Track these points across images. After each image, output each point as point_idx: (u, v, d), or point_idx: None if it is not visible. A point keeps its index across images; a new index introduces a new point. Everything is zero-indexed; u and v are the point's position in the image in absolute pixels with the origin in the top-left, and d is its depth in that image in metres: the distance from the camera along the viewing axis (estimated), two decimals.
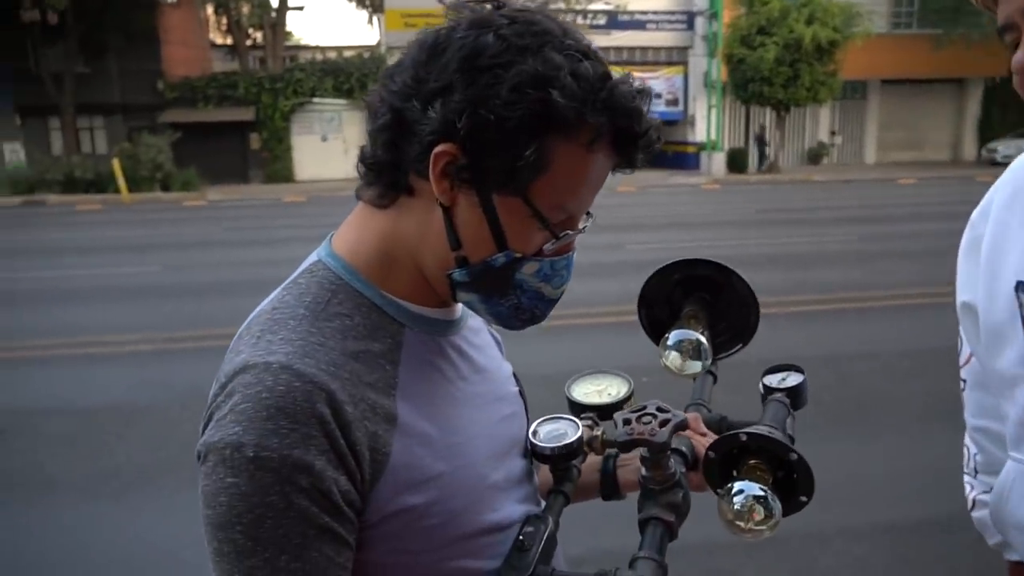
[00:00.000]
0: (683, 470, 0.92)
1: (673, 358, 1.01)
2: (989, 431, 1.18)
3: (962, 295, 1.14)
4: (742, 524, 0.86)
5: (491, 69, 0.71)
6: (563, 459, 0.91)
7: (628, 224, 12.20)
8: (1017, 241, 1.03)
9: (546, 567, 0.82)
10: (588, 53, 0.75)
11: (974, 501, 1.23)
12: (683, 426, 0.88)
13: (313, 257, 0.84)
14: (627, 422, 0.88)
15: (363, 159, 0.81)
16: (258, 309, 0.80)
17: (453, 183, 0.75)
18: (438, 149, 0.73)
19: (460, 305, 0.90)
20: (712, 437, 1.02)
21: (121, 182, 19.02)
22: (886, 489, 3.60)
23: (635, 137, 0.77)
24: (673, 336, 1.01)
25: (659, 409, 0.88)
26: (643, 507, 0.88)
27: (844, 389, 4.78)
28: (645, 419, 0.87)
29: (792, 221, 12.95)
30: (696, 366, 1.01)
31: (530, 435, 0.92)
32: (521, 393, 0.99)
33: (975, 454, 1.23)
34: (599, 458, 1.04)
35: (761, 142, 25.03)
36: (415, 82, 0.74)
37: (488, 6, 0.77)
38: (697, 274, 1.06)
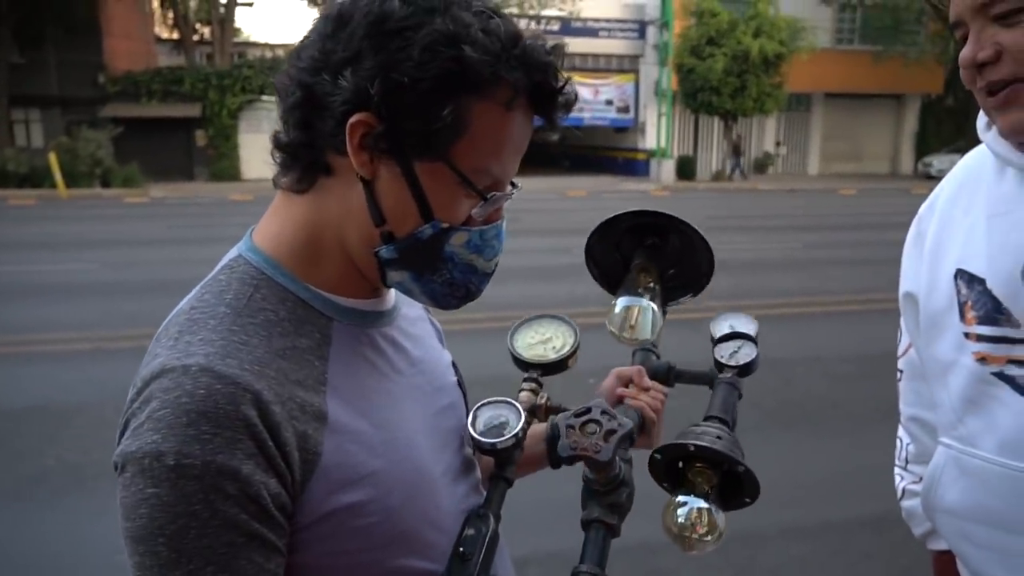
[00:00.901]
0: (628, 457, 0.91)
1: (620, 325, 0.98)
2: (922, 421, 1.21)
3: (905, 285, 1.18)
4: (687, 535, 0.86)
5: (400, 32, 0.69)
6: (507, 452, 0.88)
7: (577, 228, 12.22)
8: (959, 232, 1.06)
9: None
10: (496, 12, 0.73)
11: (903, 491, 1.26)
12: (628, 438, 0.86)
13: (233, 252, 0.80)
14: (570, 429, 0.85)
15: (277, 144, 0.78)
16: (176, 309, 0.76)
17: (372, 154, 0.73)
18: (353, 119, 0.71)
19: (393, 294, 0.88)
20: (654, 391, 1.02)
21: (58, 177, 18.38)
22: (825, 489, 3.69)
23: (553, 92, 0.76)
24: (620, 301, 0.98)
25: (604, 414, 0.86)
26: (586, 506, 0.87)
27: (787, 392, 4.88)
28: (590, 428, 0.85)
29: (739, 228, 13.21)
30: (645, 332, 0.98)
31: (469, 425, 0.88)
32: (460, 383, 0.96)
33: (908, 444, 1.26)
34: (543, 426, 1.03)
35: (737, 152, 25.45)
36: (323, 55, 0.72)
37: None
38: (646, 222, 1.02)
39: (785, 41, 22.41)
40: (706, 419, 0.95)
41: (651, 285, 1.00)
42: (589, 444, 0.83)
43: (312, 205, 0.77)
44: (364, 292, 0.82)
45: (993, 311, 0.99)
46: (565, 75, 0.77)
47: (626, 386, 1.05)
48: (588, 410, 0.87)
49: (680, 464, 0.88)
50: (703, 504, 0.85)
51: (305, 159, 0.76)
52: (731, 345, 1.04)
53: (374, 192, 0.74)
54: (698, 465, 0.87)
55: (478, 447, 0.88)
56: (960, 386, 1.03)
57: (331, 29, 0.72)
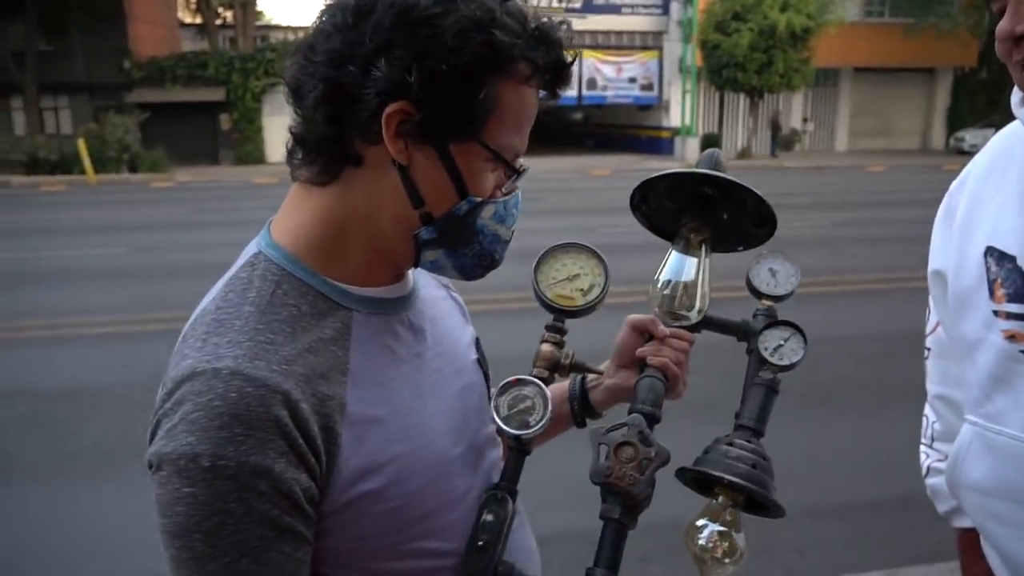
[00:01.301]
0: (651, 439, 0.86)
1: (662, 305, 0.94)
2: (949, 399, 1.20)
3: (934, 263, 1.17)
4: (707, 559, 0.86)
5: (428, 21, 0.71)
6: (531, 440, 0.87)
7: (601, 208, 12.21)
8: (989, 209, 1.05)
9: (505, 566, 0.82)
10: None
11: (928, 469, 1.25)
12: (664, 463, 0.83)
13: (252, 248, 0.81)
14: (602, 447, 0.82)
15: (299, 140, 0.78)
16: (201, 308, 0.77)
17: (407, 141, 0.74)
18: (390, 109, 0.72)
19: (410, 278, 0.88)
20: (675, 340, 0.96)
21: (87, 163, 18.63)
22: (850, 468, 3.67)
23: (565, 67, 0.79)
24: (664, 274, 0.93)
25: (641, 438, 0.82)
26: (606, 499, 0.84)
27: (813, 372, 4.85)
28: (625, 452, 0.81)
29: None
30: (691, 314, 0.93)
31: (493, 411, 0.87)
32: (481, 360, 0.96)
33: (933, 422, 1.25)
34: (566, 384, 1.02)
35: (776, 126, 25.08)
36: (348, 46, 0.73)
37: None
38: (701, 177, 0.94)
39: (813, 15, 21.96)
40: (737, 428, 0.91)
41: (701, 244, 0.95)
42: (624, 475, 0.81)
43: (335, 196, 0.78)
44: (382, 280, 0.83)
45: (1023, 288, 0.98)
46: (573, 52, 0.80)
47: (643, 337, 0.98)
48: (624, 427, 0.83)
49: (715, 489, 0.88)
50: (723, 529, 0.85)
51: (332, 152, 0.76)
52: (776, 335, 0.95)
53: (410, 176, 0.76)
54: (726, 482, 0.86)
55: (501, 434, 0.89)
56: (988, 364, 1.03)
57: (352, 21, 0.73)
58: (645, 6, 25.16)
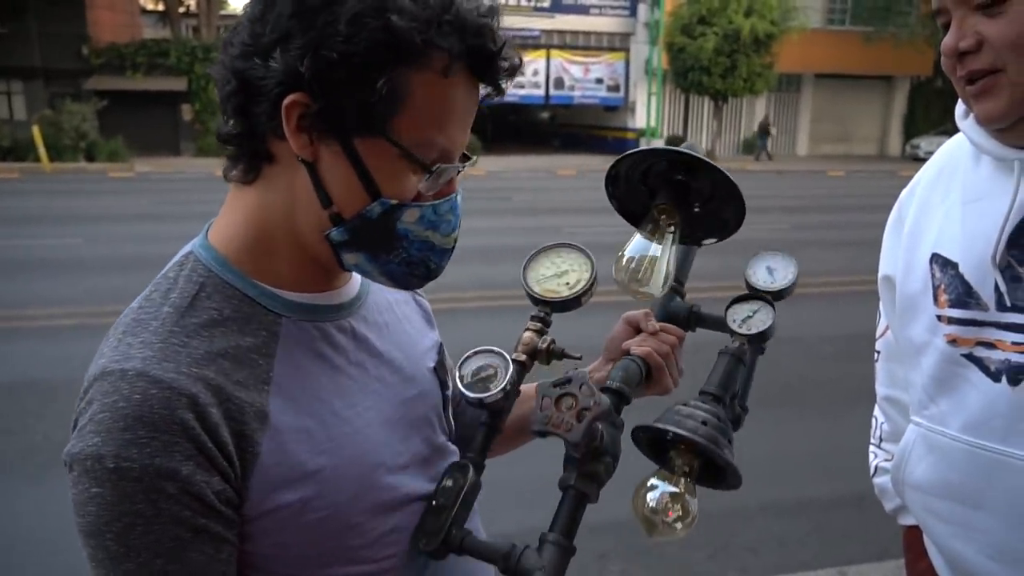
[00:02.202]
0: (619, 422, 0.86)
1: (627, 276, 0.93)
2: (896, 401, 1.24)
3: (884, 269, 1.20)
4: (656, 520, 0.84)
5: (326, 7, 0.68)
6: (496, 405, 0.86)
7: (567, 207, 12.27)
8: (936, 217, 1.09)
9: (459, 531, 0.81)
10: None
11: (876, 468, 1.29)
12: (603, 416, 0.82)
13: (186, 248, 0.80)
14: (543, 399, 0.83)
15: (219, 136, 0.76)
16: (128, 307, 0.76)
17: (311, 135, 0.71)
18: (287, 100, 0.69)
19: (357, 284, 0.87)
20: (664, 334, 0.96)
21: (42, 150, 18.12)
22: (806, 467, 3.75)
23: (491, 56, 0.73)
24: (629, 250, 0.93)
25: (582, 387, 0.83)
26: (565, 469, 0.84)
27: (770, 372, 4.92)
28: (565, 402, 0.82)
29: None
30: (655, 287, 0.92)
31: (456, 374, 0.88)
32: (440, 367, 0.94)
33: (882, 423, 1.29)
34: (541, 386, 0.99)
35: (765, 132, 25.34)
36: (253, 38, 0.71)
37: None
38: (677, 159, 0.94)
39: (776, 21, 22.32)
40: (701, 394, 0.91)
41: (672, 228, 0.94)
42: (561, 421, 0.81)
43: (260, 196, 0.77)
44: (319, 284, 0.81)
45: (964, 295, 1.02)
46: (503, 38, 0.74)
47: (635, 331, 0.99)
48: (568, 381, 0.83)
49: (668, 436, 0.85)
50: (675, 490, 0.84)
51: (248, 149, 0.75)
52: (746, 308, 0.96)
53: (318, 174, 0.73)
54: (681, 445, 0.85)
55: (466, 401, 0.87)
56: (932, 367, 1.06)
57: (259, 12, 0.71)
58: (613, 7, 25.31)
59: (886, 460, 1.26)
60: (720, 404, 0.90)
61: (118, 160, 19.43)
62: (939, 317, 1.05)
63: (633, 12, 25.30)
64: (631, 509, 0.86)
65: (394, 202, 0.74)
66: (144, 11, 27.55)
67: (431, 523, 0.80)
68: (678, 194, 0.95)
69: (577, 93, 25.71)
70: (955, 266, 1.03)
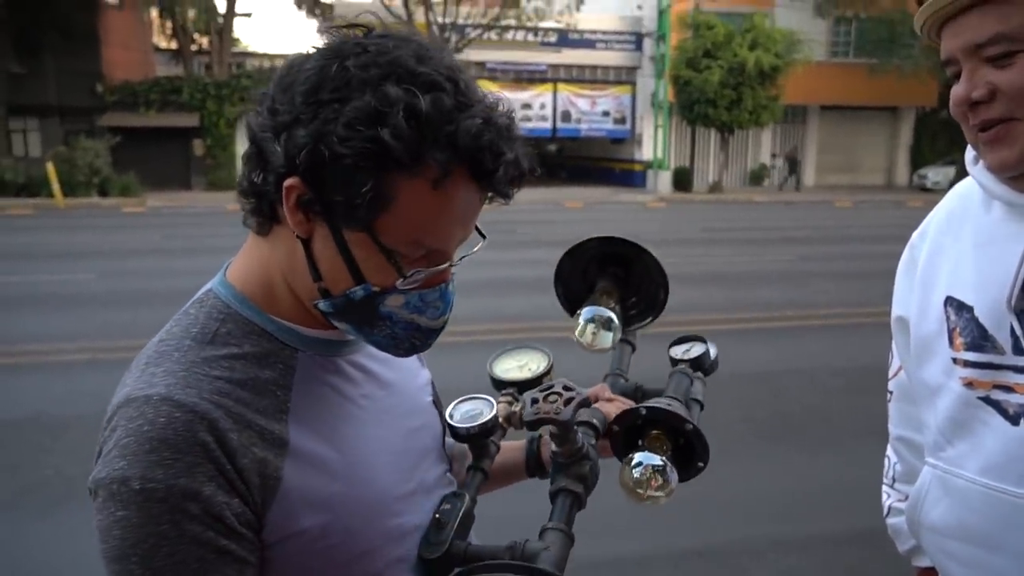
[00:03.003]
0: (593, 442, 0.97)
1: (584, 334, 1.06)
2: (910, 441, 1.24)
3: (897, 310, 1.21)
4: (641, 491, 0.92)
5: (330, 103, 0.70)
6: (479, 438, 0.96)
7: (574, 240, 12.25)
8: (948, 260, 1.10)
9: (462, 542, 0.86)
10: (439, 84, 0.72)
11: (889, 508, 1.29)
12: (587, 403, 0.92)
13: (206, 286, 0.84)
14: (535, 401, 0.92)
15: (239, 188, 0.81)
16: (150, 342, 0.80)
17: (307, 215, 0.75)
18: (287, 183, 0.73)
19: None
20: (619, 401, 1.09)
21: (56, 186, 18.37)
22: (815, 502, 3.71)
23: (488, 173, 0.74)
24: (585, 312, 1.06)
25: (565, 388, 0.93)
26: (554, 480, 0.94)
27: (778, 405, 4.91)
28: (551, 398, 0.92)
29: (735, 240, 13.26)
30: (607, 341, 1.06)
31: (447, 416, 0.98)
32: (436, 402, 1.01)
33: (895, 463, 1.29)
34: (523, 441, 1.10)
35: (792, 161, 25.44)
36: (270, 114, 0.74)
37: (355, 31, 0.76)
38: (611, 251, 1.11)
39: (781, 54, 22.54)
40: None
41: (612, 305, 1.08)
42: (551, 408, 0.90)
43: (270, 249, 0.81)
44: (327, 324, 0.83)
45: (980, 338, 1.02)
46: (508, 149, 0.74)
47: (595, 402, 1.11)
48: (551, 386, 0.95)
49: (640, 442, 0.96)
50: (657, 461, 0.92)
51: (259, 206, 0.79)
52: (683, 347, 1.15)
53: (311, 250, 0.76)
54: (653, 433, 0.96)
55: (453, 434, 0.97)
56: (948, 409, 1.06)
57: (280, 89, 0.74)
58: (619, 42, 25.63)
59: (899, 500, 1.26)
60: (678, 402, 1.01)
61: (130, 195, 19.66)
62: (955, 360, 1.05)
63: (639, 46, 25.61)
64: (619, 483, 0.94)
65: (376, 289, 0.77)
66: (157, 49, 28.05)
67: (434, 535, 0.86)
68: (615, 284, 1.11)
69: (584, 126, 25.94)
70: (970, 309, 1.04)
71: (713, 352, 1.14)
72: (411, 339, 0.82)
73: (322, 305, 0.79)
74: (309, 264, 0.77)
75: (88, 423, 4.58)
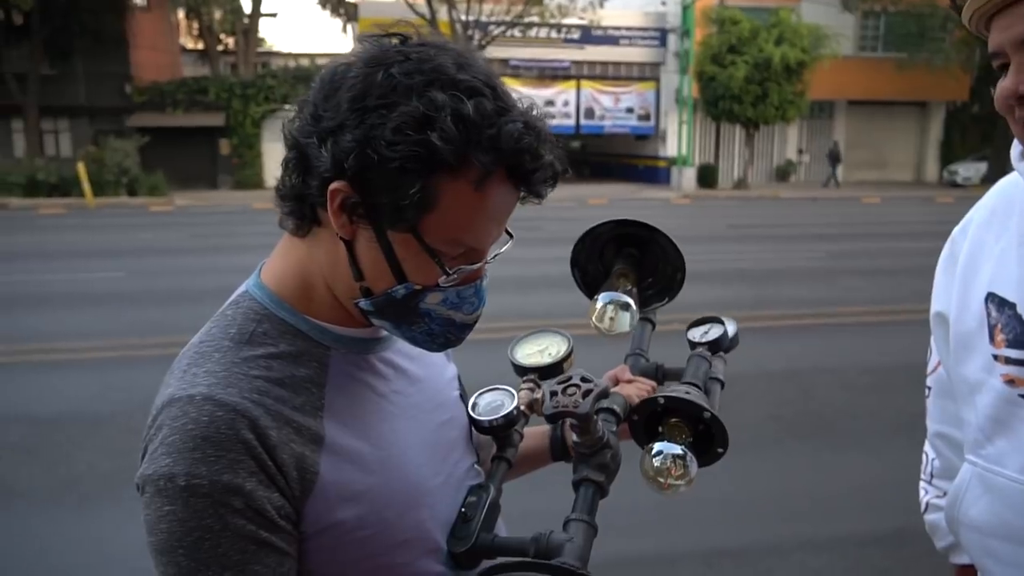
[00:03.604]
0: (613, 429, 0.98)
1: (602, 319, 1.06)
2: (948, 437, 1.23)
3: (936, 305, 1.20)
4: (662, 480, 0.93)
5: (377, 109, 0.73)
6: (502, 429, 0.98)
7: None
8: (991, 256, 1.08)
9: (488, 534, 0.88)
10: (479, 89, 0.74)
11: (927, 505, 1.28)
12: (605, 393, 0.92)
13: (241, 288, 0.87)
14: (553, 394, 0.92)
15: (277, 190, 0.83)
16: (189, 343, 0.83)
17: (351, 217, 0.77)
18: (333, 186, 0.75)
19: None
20: (639, 382, 1.10)
21: (86, 186, 18.70)
22: (843, 502, 3.67)
23: (527, 174, 0.77)
24: (601, 298, 1.06)
25: (583, 379, 0.93)
26: (576, 470, 0.94)
27: (805, 403, 4.87)
28: (570, 390, 0.91)
29: (761, 237, 13.15)
30: (623, 325, 1.06)
31: (469, 408, 0.99)
32: (463, 396, 1.03)
33: (933, 459, 1.28)
34: (547, 427, 1.11)
35: (835, 158, 25.26)
36: (314, 120, 0.76)
37: (394, 40, 0.78)
38: (626, 232, 1.12)
39: (807, 49, 22.28)
40: (679, 384, 1.04)
41: (629, 288, 1.08)
42: (569, 402, 0.90)
43: (308, 250, 0.84)
44: (360, 322, 0.86)
45: (1022, 335, 1.01)
46: (546, 151, 0.78)
47: (616, 384, 1.12)
48: (569, 377, 0.94)
49: (659, 429, 0.96)
50: (677, 451, 0.92)
51: (299, 209, 0.81)
52: (701, 329, 1.15)
53: (354, 251, 0.79)
54: (672, 421, 0.96)
55: (476, 426, 0.99)
56: (988, 406, 1.05)
57: (323, 95, 0.76)
58: (643, 38, 25.50)
59: (938, 497, 1.25)
60: (697, 388, 1.01)
61: (158, 194, 19.96)
62: (996, 357, 1.04)
63: (663, 42, 25.46)
64: (640, 471, 0.95)
65: (418, 287, 0.80)
66: (184, 50, 28.42)
67: (461, 529, 0.89)
68: (631, 266, 1.12)
69: (608, 122, 25.86)
70: (1012, 306, 1.03)
71: (732, 329, 1.14)
72: (446, 334, 0.85)
73: (363, 304, 0.82)
74: (351, 264, 0.80)
75: (119, 420, 4.69)
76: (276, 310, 0.83)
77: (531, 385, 1.05)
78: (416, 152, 0.72)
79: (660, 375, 1.15)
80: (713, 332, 1.13)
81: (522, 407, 1.01)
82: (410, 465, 0.86)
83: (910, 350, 1.32)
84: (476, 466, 0.99)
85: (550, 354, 1.08)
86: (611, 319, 1.05)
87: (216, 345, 0.80)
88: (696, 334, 1.14)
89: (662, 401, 0.95)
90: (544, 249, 10.67)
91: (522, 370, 1.08)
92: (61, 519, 3.47)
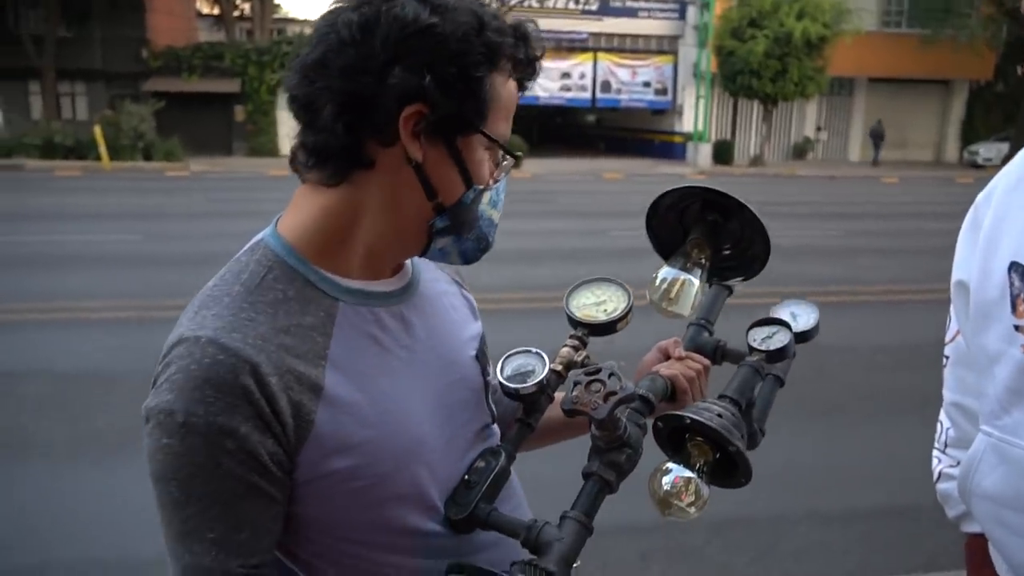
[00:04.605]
0: (641, 422, 0.94)
1: (660, 295, 1.02)
2: (964, 407, 1.22)
3: (957, 274, 1.18)
4: (671, 502, 0.89)
5: (429, 30, 0.78)
6: (532, 397, 0.95)
7: (613, 211, 12.23)
8: (1015, 225, 1.06)
9: (487, 506, 0.87)
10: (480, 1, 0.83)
11: (940, 474, 1.28)
12: (629, 400, 0.87)
13: (258, 236, 0.88)
14: (576, 385, 0.88)
15: (310, 149, 0.83)
16: (205, 285, 0.85)
17: (421, 140, 0.81)
18: (407, 112, 0.79)
19: (408, 273, 0.94)
20: (690, 360, 1.05)
21: (102, 149, 18.74)
22: (853, 477, 3.70)
23: (536, 61, 0.87)
24: (662, 272, 1.02)
25: (611, 376, 0.88)
26: (589, 459, 0.90)
27: (820, 380, 4.87)
28: (594, 386, 0.88)
29: (778, 215, 13.05)
30: (684, 308, 1.02)
31: (497, 371, 0.97)
32: (480, 356, 1.00)
33: (948, 428, 1.28)
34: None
35: (877, 136, 25.00)
36: (361, 60, 0.78)
37: None
38: (710, 199, 1.05)
39: (829, 24, 21.90)
40: (719, 397, 0.97)
41: (702, 261, 1.03)
42: (589, 401, 0.87)
43: (344, 196, 0.84)
44: (375, 274, 0.88)
45: None
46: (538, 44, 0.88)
47: (667, 359, 1.08)
48: (598, 370, 0.90)
49: (686, 436, 0.92)
50: (689, 474, 0.89)
51: (344, 157, 0.82)
52: (766, 330, 1.05)
53: (424, 172, 0.82)
54: (698, 438, 0.91)
55: (503, 392, 0.96)
56: (1006, 377, 1.04)
57: (359, 36, 0.79)
58: (662, 10, 25.14)
59: (951, 466, 1.24)
60: (736, 407, 0.95)
61: (174, 159, 19.98)
62: (1017, 327, 1.03)
63: (682, 15, 25.09)
64: (647, 489, 0.92)
65: (482, 187, 0.86)
66: (200, 15, 28.27)
67: (461, 496, 0.88)
68: (710, 232, 1.05)
69: (624, 96, 25.61)
70: None
71: (813, 319, 1.07)
72: (487, 236, 0.90)
73: (439, 221, 0.85)
74: (423, 186, 0.83)
75: (136, 378, 4.71)
76: (289, 259, 0.84)
77: (576, 343, 1.00)
78: (482, 52, 0.80)
79: (719, 355, 1.08)
80: (777, 340, 1.03)
81: (559, 367, 0.97)
82: (410, 421, 0.86)
83: (926, 330, 1.31)
84: (490, 428, 0.98)
85: (605, 310, 1.02)
86: (670, 298, 1.00)
87: (227, 289, 0.82)
88: (757, 337, 1.04)
89: (688, 421, 0.89)
90: (557, 222, 10.65)
91: (573, 323, 1.02)
92: (81, 472, 3.54)
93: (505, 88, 0.84)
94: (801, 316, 1.09)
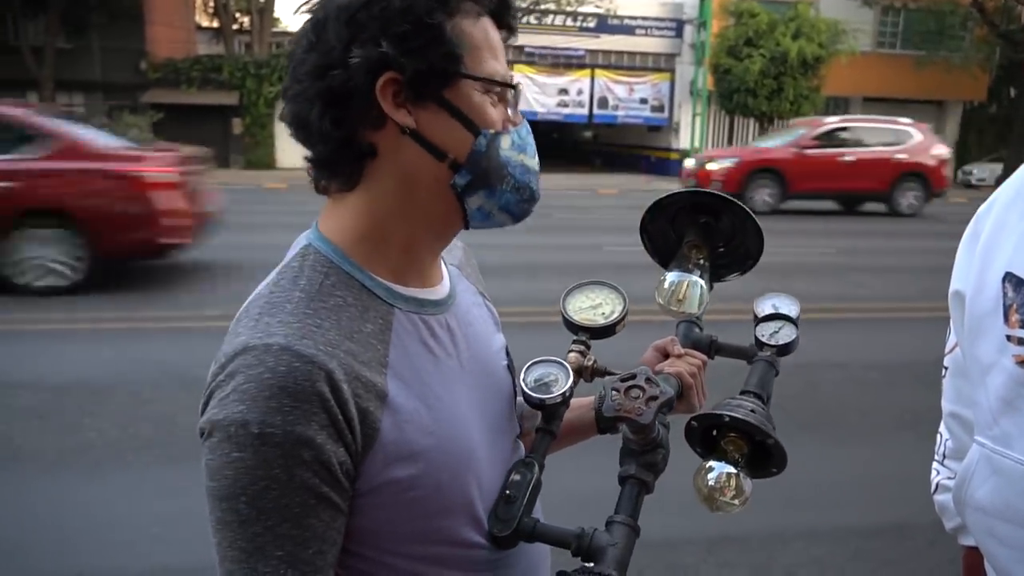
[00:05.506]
0: (666, 422, 0.95)
1: (668, 298, 1.04)
2: (962, 418, 1.23)
3: (955, 284, 1.18)
4: (716, 498, 0.92)
5: (372, 2, 0.78)
6: (559, 408, 0.95)
7: (608, 226, 12.26)
8: (1012, 236, 1.07)
9: (530, 519, 0.87)
10: None
11: (937, 485, 1.28)
12: (670, 403, 0.91)
13: (303, 241, 0.87)
14: (616, 392, 0.90)
15: (317, 162, 0.84)
16: (255, 292, 0.83)
17: (407, 107, 0.80)
18: (380, 82, 0.78)
19: (447, 283, 0.94)
20: (690, 356, 1.07)
21: None
22: (847, 494, 3.69)
23: (506, 2, 0.86)
24: (669, 276, 1.05)
25: (648, 381, 0.91)
26: (623, 463, 0.92)
27: (812, 397, 4.87)
28: (633, 392, 0.90)
29: (772, 231, 13.06)
30: (692, 306, 1.04)
31: (520, 380, 0.96)
32: (510, 367, 1.01)
33: (946, 440, 1.28)
34: (592, 398, 1.08)
35: None
36: (323, 56, 0.79)
37: None
38: (700, 201, 1.08)
39: (825, 44, 22.12)
40: (742, 393, 1.00)
41: (701, 261, 1.05)
42: (632, 407, 0.88)
43: (366, 194, 0.84)
44: (421, 281, 0.88)
45: None
46: None
47: (665, 358, 1.09)
48: (633, 376, 0.92)
49: (714, 432, 0.94)
50: (732, 470, 0.91)
51: (348, 156, 0.82)
52: (772, 325, 1.09)
53: (424, 137, 0.81)
54: (731, 435, 0.93)
55: (528, 401, 0.96)
56: (998, 387, 1.04)
57: (313, 40, 0.80)
58: (659, 28, 25.35)
59: (948, 478, 1.24)
60: (760, 400, 0.98)
61: None
62: (1009, 337, 1.03)
63: (679, 33, 25.30)
64: (693, 487, 0.93)
65: (492, 131, 0.83)
66: (199, 28, 28.37)
67: (504, 511, 0.87)
68: (704, 233, 1.09)
69: (621, 113, 25.75)
70: None
71: (795, 309, 1.11)
72: (528, 184, 0.87)
73: (458, 179, 0.83)
74: (429, 150, 0.82)
75: (129, 388, 4.73)
76: (341, 264, 0.83)
77: (582, 348, 1.02)
78: (430, 3, 0.78)
79: (713, 349, 1.11)
80: (784, 334, 1.07)
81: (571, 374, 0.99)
82: (464, 429, 0.86)
83: (918, 347, 1.32)
84: (517, 439, 0.99)
85: (603, 314, 1.05)
86: (679, 299, 1.03)
87: (287, 296, 0.79)
88: (765, 332, 1.08)
89: (727, 420, 0.92)
90: (553, 236, 10.67)
91: (573, 327, 1.05)
92: (70, 484, 3.51)
93: (477, 27, 0.82)
94: (782, 307, 1.12)
